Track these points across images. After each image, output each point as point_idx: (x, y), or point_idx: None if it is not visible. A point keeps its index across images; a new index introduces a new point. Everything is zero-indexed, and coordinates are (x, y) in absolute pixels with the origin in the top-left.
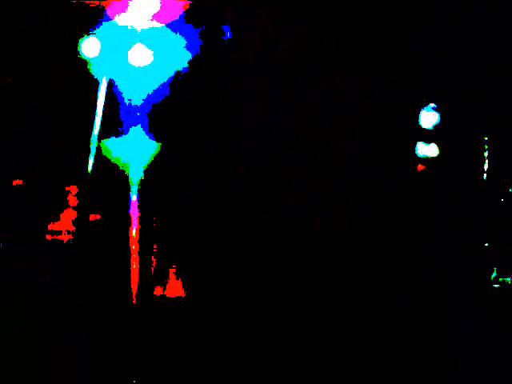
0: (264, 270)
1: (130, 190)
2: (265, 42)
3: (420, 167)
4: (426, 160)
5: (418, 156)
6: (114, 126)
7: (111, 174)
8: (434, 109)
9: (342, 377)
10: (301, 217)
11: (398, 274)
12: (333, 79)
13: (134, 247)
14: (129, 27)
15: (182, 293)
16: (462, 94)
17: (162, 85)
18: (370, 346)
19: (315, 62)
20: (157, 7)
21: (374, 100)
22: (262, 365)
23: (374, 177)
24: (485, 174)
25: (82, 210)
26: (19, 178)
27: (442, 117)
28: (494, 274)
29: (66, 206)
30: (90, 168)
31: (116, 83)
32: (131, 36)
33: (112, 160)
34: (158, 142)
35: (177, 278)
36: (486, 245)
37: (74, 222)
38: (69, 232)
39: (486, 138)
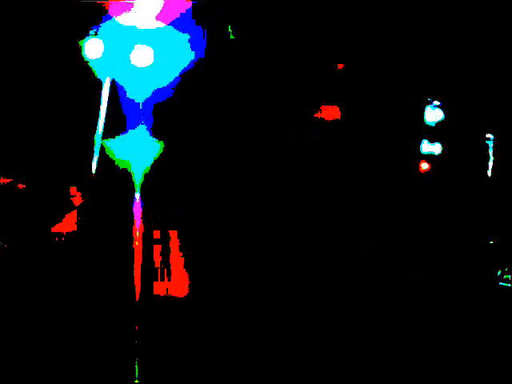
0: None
1: (133, 189)
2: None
3: (424, 164)
4: (431, 157)
5: (423, 153)
6: (118, 125)
7: (115, 173)
8: (437, 106)
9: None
10: (305, 214)
11: (400, 270)
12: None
13: (137, 244)
14: (132, 27)
15: (185, 290)
16: (466, 90)
17: (165, 84)
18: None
19: (319, 57)
20: (159, 7)
21: (378, 96)
22: (263, 361)
23: (376, 173)
24: (489, 171)
25: (86, 208)
26: (22, 178)
27: (446, 114)
28: (500, 272)
29: (70, 204)
30: (93, 167)
31: (119, 83)
32: (134, 36)
33: (115, 159)
34: (160, 141)
35: (180, 276)
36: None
37: (78, 221)
38: (72, 231)
39: (491, 136)
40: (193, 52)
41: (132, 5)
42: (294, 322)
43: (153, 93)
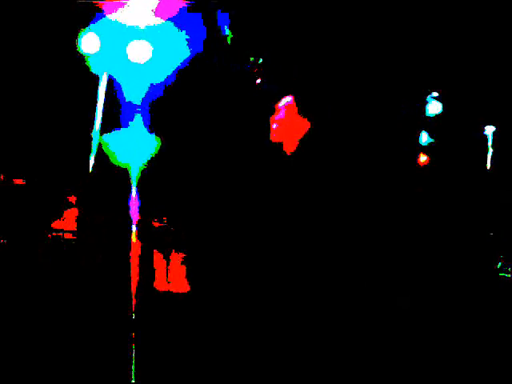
0: (267, 266)
1: (130, 186)
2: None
3: (423, 157)
4: (430, 149)
5: (422, 145)
6: (115, 122)
7: (112, 170)
8: (435, 98)
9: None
10: (305, 212)
11: (398, 268)
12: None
13: (135, 243)
14: (128, 23)
15: (184, 288)
16: (465, 82)
17: (162, 81)
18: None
19: (319, 54)
20: (156, 3)
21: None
22: (263, 361)
23: (375, 168)
24: (488, 164)
25: (83, 206)
26: (20, 177)
27: (444, 106)
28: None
29: (67, 203)
30: (90, 164)
31: (116, 79)
32: (131, 32)
33: (113, 156)
34: (158, 137)
35: (179, 274)
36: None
37: (75, 220)
38: (70, 230)
39: (490, 129)
40: (191, 47)
41: (129, 0)
42: (294, 322)
43: (150, 88)
